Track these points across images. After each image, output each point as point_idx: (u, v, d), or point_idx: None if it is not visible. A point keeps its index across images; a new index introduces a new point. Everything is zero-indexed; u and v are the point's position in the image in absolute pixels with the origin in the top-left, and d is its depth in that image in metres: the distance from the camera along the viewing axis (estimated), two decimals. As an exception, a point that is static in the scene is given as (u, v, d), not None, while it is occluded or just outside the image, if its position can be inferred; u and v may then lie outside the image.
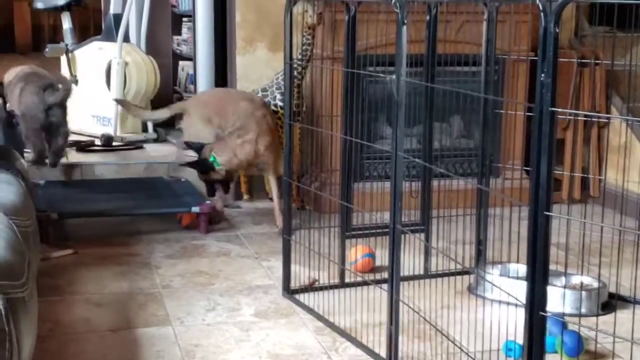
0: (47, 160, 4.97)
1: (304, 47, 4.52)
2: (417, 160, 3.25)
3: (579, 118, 4.80)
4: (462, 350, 2.72)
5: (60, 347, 2.94)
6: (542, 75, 1.97)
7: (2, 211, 2.51)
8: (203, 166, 4.35)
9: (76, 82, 6.00)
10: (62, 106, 4.93)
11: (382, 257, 3.49)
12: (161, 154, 5.40)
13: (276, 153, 4.29)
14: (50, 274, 3.64)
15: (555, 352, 2.84)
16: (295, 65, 4.26)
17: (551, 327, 2.91)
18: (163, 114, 4.86)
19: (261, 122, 4.31)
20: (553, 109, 1.97)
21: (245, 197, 4.94)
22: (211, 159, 4.30)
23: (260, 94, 4.71)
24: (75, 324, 3.16)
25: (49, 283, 3.53)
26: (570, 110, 4.55)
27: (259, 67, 4.92)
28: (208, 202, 4.38)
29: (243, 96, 4.49)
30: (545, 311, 2.07)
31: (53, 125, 4.90)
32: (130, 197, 4.54)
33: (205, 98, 4.57)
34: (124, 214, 4.41)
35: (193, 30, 5.39)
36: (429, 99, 3.50)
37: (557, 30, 1.95)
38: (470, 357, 2.66)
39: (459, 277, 3.50)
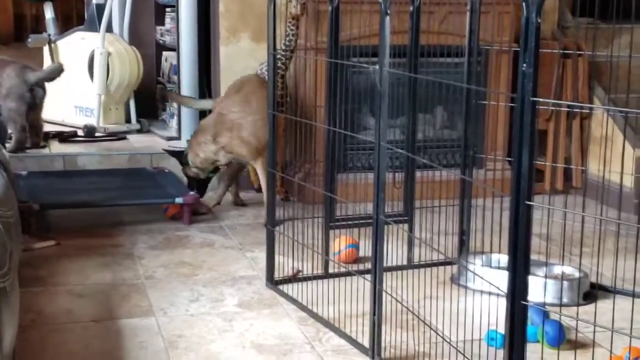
0: (28, 145, 5.05)
1: (287, 38, 4.51)
2: (400, 150, 3.25)
3: (561, 109, 4.82)
4: (444, 340, 2.74)
5: (43, 338, 2.93)
6: (524, 65, 1.98)
7: (-16, 202, 2.50)
8: (180, 157, 4.46)
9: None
10: (42, 86, 5.07)
11: (366, 248, 3.50)
12: (144, 144, 5.39)
13: (249, 145, 4.27)
14: (32, 265, 3.62)
15: (537, 341, 2.86)
16: (279, 56, 4.26)
17: (533, 317, 2.93)
18: (208, 104, 4.86)
19: (219, 119, 4.32)
20: (534, 98, 1.98)
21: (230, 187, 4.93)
22: (184, 153, 4.39)
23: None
24: (57, 314, 3.15)
25: (32, 274, 3.52)
26: (552, 100, 4.56)
27: (243, 58, 4.91)
28: (192, 192, 4.37)
29: (233, 88, 4.46)
30: (526, 300, 2.08)
31: (36, 105, 5.03)
32: (114, 188, 4.52)
33: (225, 94, 4.58)
34: (108, 204, 4.39)
35: (176, 20, 5.36)
36: (412, 89, 3.51)
37: (539, 21, 1.96)
38: (453, 346, 2.67)
39: (442, 268, 3.52)
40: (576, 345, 2.90)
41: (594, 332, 2.83)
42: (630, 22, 3.35)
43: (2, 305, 2.01)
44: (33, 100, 4.98)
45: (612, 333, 2.26)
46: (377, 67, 2.66)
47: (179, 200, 4.28)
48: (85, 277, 3.54)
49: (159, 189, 4.49)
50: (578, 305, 3.19)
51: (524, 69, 1.98)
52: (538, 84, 2.03)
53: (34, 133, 5.08)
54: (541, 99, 2.00)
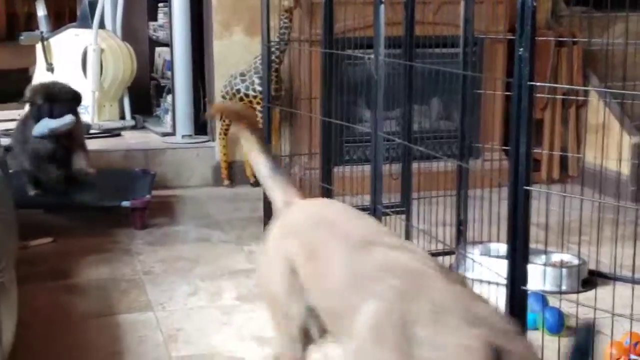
0: None
1: (281, 31, 4.50)
2: (397, 139, 3.24)
3: (557, 97, 4.81)
4: (444, 329, 2.72)
5: (43, 334, 2.92)
6: (520, 49, 1.97)
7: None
8: None
9: (52, 69, 5.96)
10: None
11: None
12: (139, 140, 5.37)
13: None
14: (30, 262, 3.60)
15: (537, 328, 2.85)
16: (273, 49, 4.25)
17: (532, 304, 2.92)
18: None
19: None
20: (531, 83, 1.97)
21: (226, 182, 4.93)
22: None
23: (238, 79, 4.69)
24: (56, 311, 3.14)
25: (29, 271, 3.50)
26: (549, 85, 4.55)
27: (237, 52, 4.89)
28: (148, 196, 4.18)
29: None
30: (526, 286, 2.08)
31: None
32: (80, 190, 4.30)
33: None
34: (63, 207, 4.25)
35: (169, 15, 5.34)
36: (408, 78, 3.50)
37: (535, 4, 1.95)
38: (453, 335, 2.66)
39: (440, 258, 3.51)
40: (576, 331, 2.89)
41: (594, 318, 2.82)
42: (625, 10, 3.34)
43: (2, 300, 2.00)
44: None
45: (612, 318, 2.26)
46: (372, 55, 2.66)
47: (125, 204, 4.08)
48: (84, 273, 3.53)
49: (122, 192, 4.22)
50: (577, 292, 3.18)
51: (520, 53, 1.97)
52: (534, 70, 2.03)
53: None
54: (538, 84, 2.00)
